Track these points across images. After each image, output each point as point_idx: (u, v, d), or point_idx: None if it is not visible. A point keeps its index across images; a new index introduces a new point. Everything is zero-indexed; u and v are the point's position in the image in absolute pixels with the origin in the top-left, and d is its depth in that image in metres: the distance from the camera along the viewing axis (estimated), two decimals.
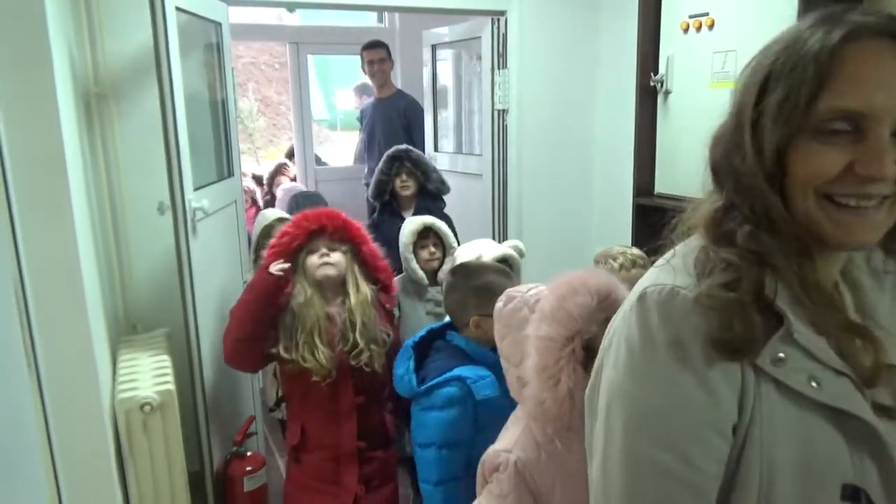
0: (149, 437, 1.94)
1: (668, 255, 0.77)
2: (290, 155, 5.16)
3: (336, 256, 1.95)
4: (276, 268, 1.90)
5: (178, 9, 2.11)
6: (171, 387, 1.98)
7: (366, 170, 4.32)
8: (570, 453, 1.28)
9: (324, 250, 1.95)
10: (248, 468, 2.34)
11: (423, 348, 1.82)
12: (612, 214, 3.10)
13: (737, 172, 0.72)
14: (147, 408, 1.90)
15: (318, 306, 1.90)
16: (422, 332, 1.85)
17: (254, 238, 2.53)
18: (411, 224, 2.44)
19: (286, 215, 2.51)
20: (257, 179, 4.85)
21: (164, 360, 2.12)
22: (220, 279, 2.51)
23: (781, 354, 0.67)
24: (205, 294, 2.24)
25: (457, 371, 1.66)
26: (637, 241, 2.56)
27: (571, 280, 1.18)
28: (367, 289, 1.98)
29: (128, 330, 2.44)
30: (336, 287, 1.97)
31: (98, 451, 1.78)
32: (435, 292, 2.43)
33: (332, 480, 1.93)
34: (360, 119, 4.56)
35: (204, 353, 2.22)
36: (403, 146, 2.95)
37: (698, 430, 0.68)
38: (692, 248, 0.75)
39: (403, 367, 1.77)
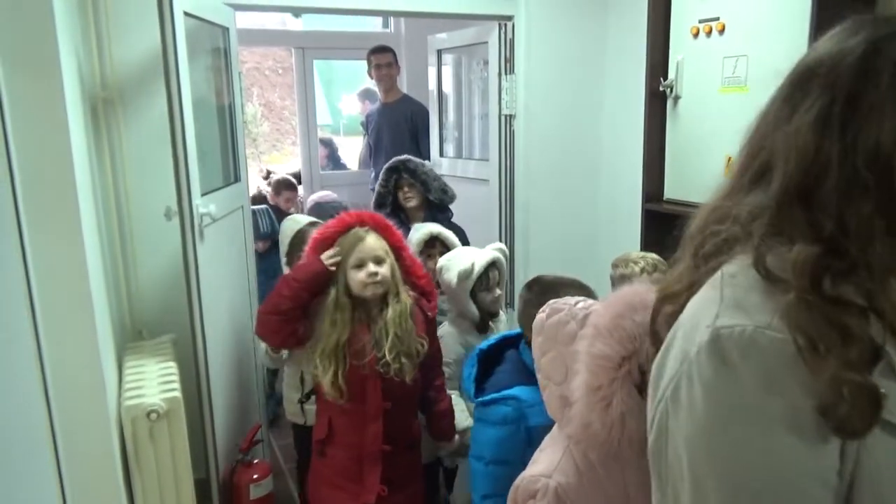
0: (155, 444, 1.92)
1: (711, 289, 0.67)
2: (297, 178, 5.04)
3: (384, 271, 1.88)
4: (330, 261, 1.87)
5: (186, 14, 2.10)
6: (178, 394, 1.96)
7: (372, 175, 4.31)
8: (613, 482, 1.21)
9: (371, 267, 1.86)
10: (255, 476, 2.32)
11: (496, 354, 1.78)
12: (620, 220, 3.09)
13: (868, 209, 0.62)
14: (153, 415, 1.88)
15: (342, 328, 1.84)
16: (493, 339, 1.81)
17: (284, 244, 2.44)
18: (417, 233, 2.42)
19: (318, 220, 2.45)
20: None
21: (171, 367, 2.11)
22: (226, 285, 2.49)
23: (883, 391, 0.61)
24: (211, 300, 2.22)
25: (515, 390, 1.61)
26: (646, 247, 2.54)
27: (628, 296, 1.11)
28: (407, 298, 1.92)
29: (134, 336, 2.43)
30: (378, 297, 1.91)
31: (104, 459, 1.76)
32: (440, 301, 2.41)
33: (355, 479, 1.90)
34: (365, 124, 4.54)
35: (211, 359, 2.20)
36: (403, 157, 2.89)
37: (808, 488, 0.61)
38: (750, 284, 0.65)
39: (468, 371, 1.74)
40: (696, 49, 2.36)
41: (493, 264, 2.22)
